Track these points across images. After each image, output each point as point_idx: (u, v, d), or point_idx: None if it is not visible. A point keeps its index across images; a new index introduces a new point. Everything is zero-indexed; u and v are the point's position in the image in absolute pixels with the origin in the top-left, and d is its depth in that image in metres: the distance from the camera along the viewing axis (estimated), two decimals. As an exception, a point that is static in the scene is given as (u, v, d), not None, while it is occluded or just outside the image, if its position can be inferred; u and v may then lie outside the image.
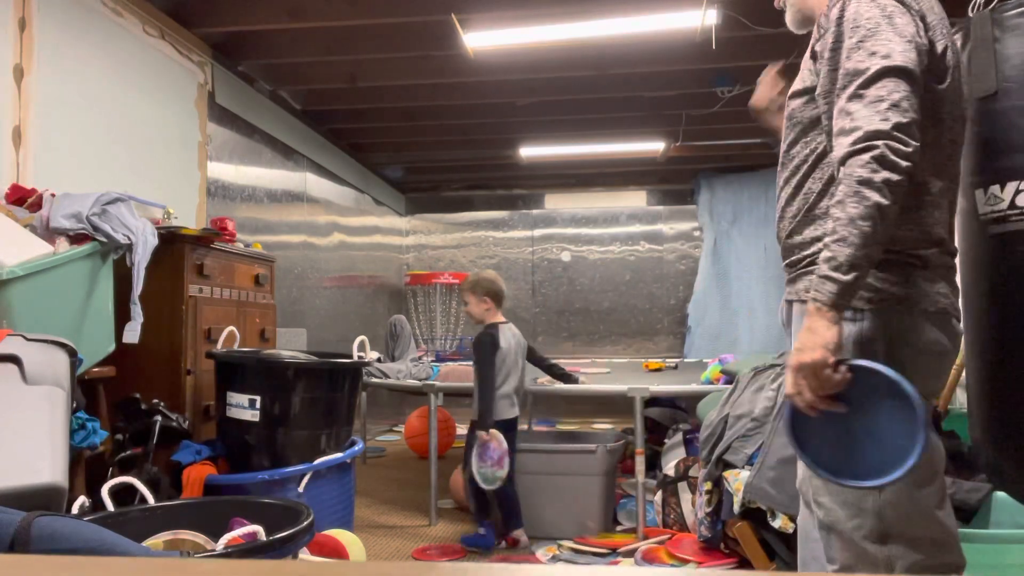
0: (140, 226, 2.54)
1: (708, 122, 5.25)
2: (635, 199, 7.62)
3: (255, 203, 4.54)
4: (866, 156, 1.26)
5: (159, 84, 3.55)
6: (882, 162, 1.26)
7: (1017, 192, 1.58)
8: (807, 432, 1.34)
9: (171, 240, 2.89)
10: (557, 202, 7.70)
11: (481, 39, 3.79)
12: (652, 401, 4.61)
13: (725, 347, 6.25)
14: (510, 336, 3.41)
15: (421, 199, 7.91)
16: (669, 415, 4.76)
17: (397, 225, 7.69)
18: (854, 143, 1.28)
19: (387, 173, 7.18)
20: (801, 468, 1.61)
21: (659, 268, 7.48)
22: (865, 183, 1.26)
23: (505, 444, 3.22)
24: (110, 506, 2.00)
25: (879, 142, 1.26)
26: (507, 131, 5.75)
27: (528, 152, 6.09)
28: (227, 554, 1.78)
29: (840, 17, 1.36)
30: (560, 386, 3.88)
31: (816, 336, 1.27)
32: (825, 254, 1.29)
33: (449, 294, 7.33)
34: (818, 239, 1.39)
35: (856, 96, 1.30)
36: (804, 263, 1.45)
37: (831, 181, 1.39)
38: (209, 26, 3.79)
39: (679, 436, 3.87)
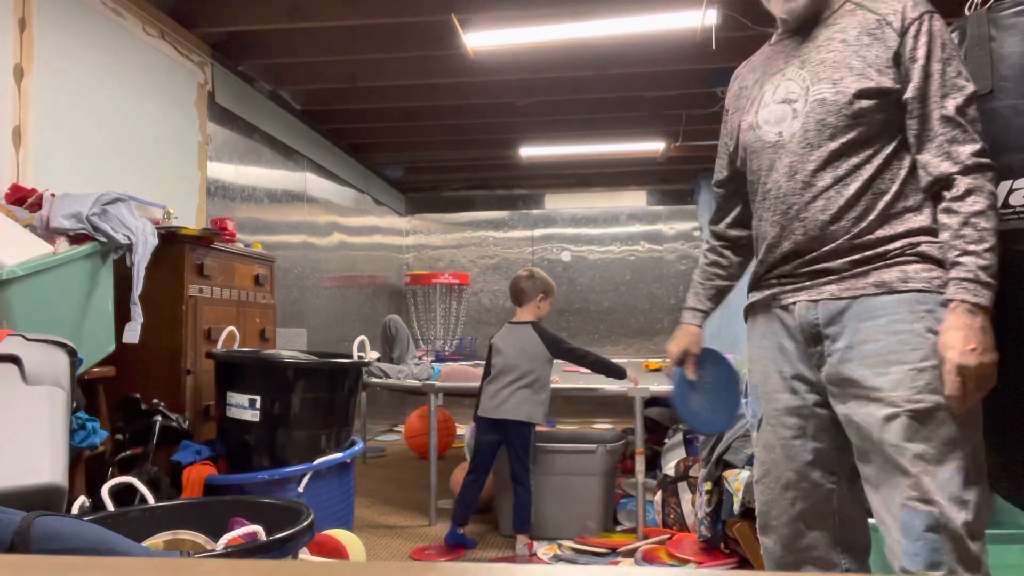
0: (140, 226, 2.54)
1: (708, 122, 5.25)
2: (635, 199, 7.62)
3: (255, 203, 4.54)
4: (991, 173, 1.41)
5: (159, 84, 3.55)
6: (995, 180, 1.42)
7: (1011, 191, 1.58)
8: (690, 405, 1.81)
9: (171, 240, 2.89)
10: (557, 202, 7.70)
11: (481, 39, 3.79)
12: (652, 401, 4.61)
13: (725, 347, 6.20)
14: (510, 335, 3.42)
15: (421, 199, 7.91)
16: (669, 415, 4.76)
17: (397, 225, 7.69)
18: (978, 155, 1.41)
19: (387, 173, 7.19)
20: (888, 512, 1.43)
21: (659, 268, 7.48)
22: (995, 196, 1.40)
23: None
24: (110, 506, 2.00)
25: (989, 160, 1.41)
26: (507, 131, 5.75)
27: (528, 152, 6.09)
28: (227, 554, 1.78)
29: (930, 29, 1.45)
30: (560, 386, 3.88)
31: (988, 336, 1.36)
32: (979, 261, 1.37)
33: (449, 294, 7.34)
34: (900, 236, 1.45)
35: (964, 111, 1.43)
36: (886, 257, 1.44)
37: (906, 182, 1.47)
38: (209, 26, 3.79)
39: (679, 436, 3.87)
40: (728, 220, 1.82)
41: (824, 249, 1.50)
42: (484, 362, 3.51)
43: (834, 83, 1.48)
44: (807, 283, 1.53)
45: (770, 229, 1.57)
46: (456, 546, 3.30)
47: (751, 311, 1.69)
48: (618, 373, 3.49)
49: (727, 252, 1.84)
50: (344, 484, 2.99)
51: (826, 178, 1.49)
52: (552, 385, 3.84)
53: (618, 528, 3.56)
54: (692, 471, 3.31)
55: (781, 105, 1.55)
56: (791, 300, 1.55)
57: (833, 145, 1.48)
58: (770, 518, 1.59)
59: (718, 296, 1.86)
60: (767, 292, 1.61)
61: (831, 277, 1.50)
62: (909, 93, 1.45)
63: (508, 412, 3.29)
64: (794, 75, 1.55)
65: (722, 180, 1.80)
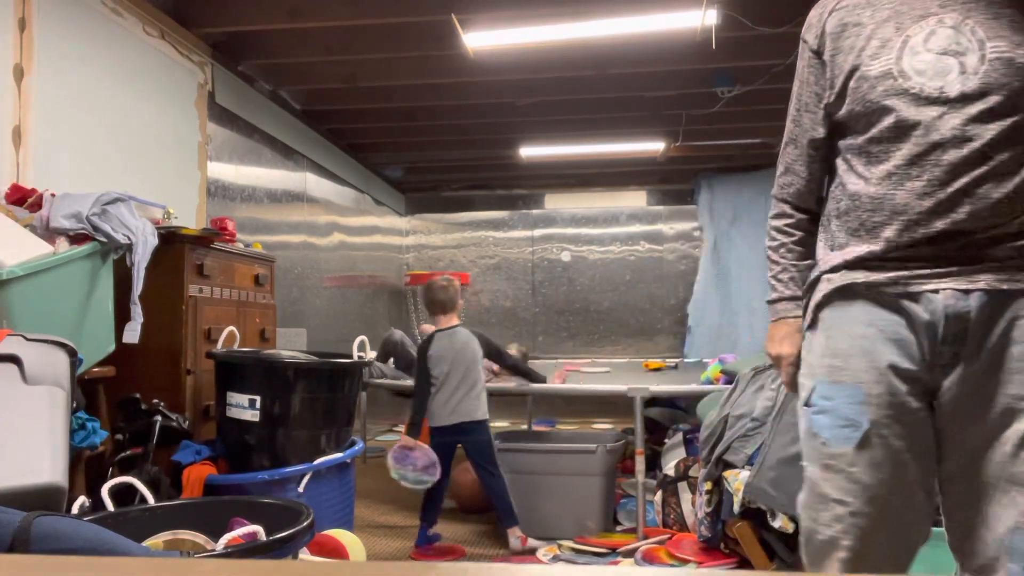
0: (140, 226, 2.54)
1: (708, 122, 5.26)
2: (635, 199, 7.62)
3: (255, 203, 4.54)
4: None
5: (159, 84, 3.55)
6: None
7: None
8: None
9: (171, 240, 2.89)
10: (557, 202, 7.70)
11: (481, 39, 3.79)
12: (652, 401, 4.61)
13: (725, 347, 6.25)
14: (446, 343, 3.39)
15: (421, 199, 7.92)
16: (669, 415, 4.76)
17: (397, 225, 7.69)
18: None
19: (387, 173, 7.19)
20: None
21: (659, 268, 7.48)
22: None
23: (431, 455, 3.28)
24: (110, 506, 2.00)
25: None
26: (507, 131, 5.75)
27: (528, 152, 6.09)
28: (227, 554, 1.78)
29: None
30: (560, 386, 3.89)
31: None
32: None
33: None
34: None
35: None
36: None
37: None
38: (209, 26, 3.79)
39: (679, 436, 3.87)
40: (815, 191, 1.51)
41: (990, 232, 1.28)
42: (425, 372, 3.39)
43: (1017, 45, 1.28)
44: (954, 268, 1.29)
45: (917, 201, 1.30)
46: (431, 545, 3.32)
47: (843, 295, 1.38)
48: (534, 378, 3.68)
49: (812, 227, 1.51)
50: (344, 484, 2.99)
51: (1007, 150, 1.28)
52: (557, 384, 3.86)
53: (618, 528, 3.56)
54: (692, 471, 3.30)
55: (943, 57, 1.30)
56: (929, 287, 1.30)
57: (1019, 116, 1.28)
58: (865, 560, 1.32)
59: (804, 282, 1.51)
60: (885, 274, 1.34)
61: (990, 264, 1.29)
62: None
63: (465, 415, 3.32)
64: (956, 24, 1.31)
65: (819, 140, 1.48)
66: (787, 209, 1.53)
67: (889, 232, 1.33)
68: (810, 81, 1.48)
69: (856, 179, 1.39)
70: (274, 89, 4.77)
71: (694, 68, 4.34)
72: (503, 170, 7.06)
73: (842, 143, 1.43)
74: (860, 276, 1.36)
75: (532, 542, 3.28)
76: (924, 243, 1.31)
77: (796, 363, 1.46)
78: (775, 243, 1.54)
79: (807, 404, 1.39)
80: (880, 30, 1.36)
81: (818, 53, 1.45)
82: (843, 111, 1.40)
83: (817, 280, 1.43)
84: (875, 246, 1.34)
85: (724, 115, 5.04)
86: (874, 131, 1.36)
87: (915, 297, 1.31)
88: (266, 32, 4.04)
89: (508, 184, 7.66)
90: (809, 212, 1.52)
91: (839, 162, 1.44)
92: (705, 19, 3.49)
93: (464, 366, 3.36)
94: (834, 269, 1.40)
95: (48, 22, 2.85)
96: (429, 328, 3.66)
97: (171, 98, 3.65)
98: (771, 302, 1.53)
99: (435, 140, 6.08)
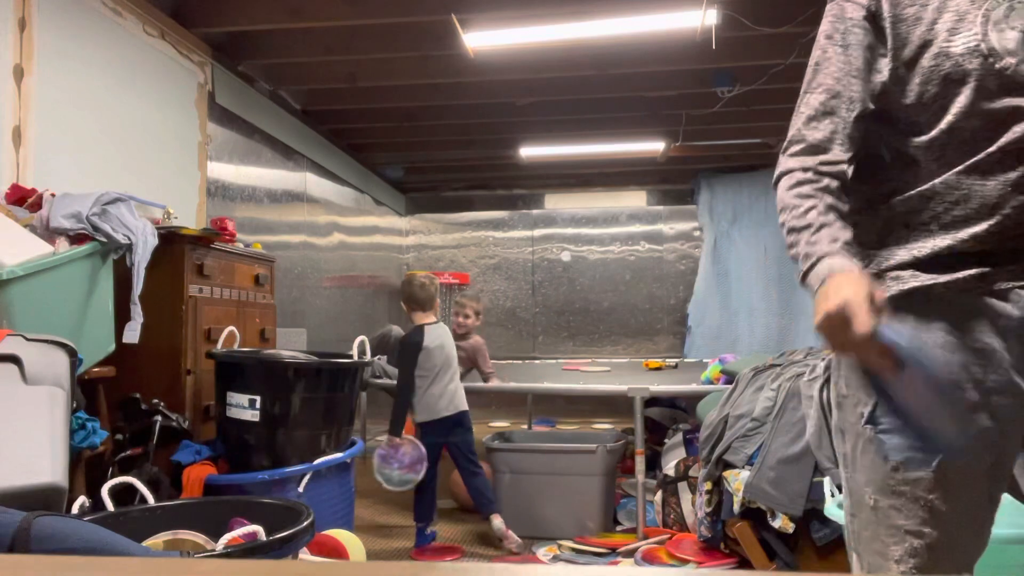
0: (140, 226, 2.54)
1: (708, 122, 5.26)
2: (635, 199, 7.63)
3: (255, 203, 4.54)
4: None
5: (159, 84, 3.55)
6: None
7: None
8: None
9: (171, 240, 2.89)
10: (557, 202, 7.70)
11: (481, 39, 3.79)
12: (652, 401, 4.61)
13: (725, 347, 6.26)
14: (437, 334, 3.42)
15: (421, 199, 7.92)
16: (669, 415, 4.76)
17: (397, 225, 7.69)
18: None
19: (387, 173, 7.19)
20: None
21: (659, 268, 7.48)
22: None
23: (421, 449, 3.29)
24: (110, 506, 2.00)
25: None
26: (507, 131, 5.75)
27: (528, 152, 6.09)
28: (227, 554, 1.78)
29: None
30: (560, 386, 3.89)
31: None
32: None
33: (449, 294, 7.34)
34: None
35: None
36: None
37: None
38: (209, 26, 3.79)
39: (679, 436, 3.87)
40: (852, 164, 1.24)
41: None
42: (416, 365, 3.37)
43: None
44: None
45: (1013, 195, 1.15)
46: (430, 544, 3.33)
47: (915, 297, 1.19)
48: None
49: (845, 198, 1.23)
50: (344, 484, 2.99)
51: None
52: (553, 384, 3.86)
53: (618, 528, 3.56)
54: (692, 471, 3.31)
55: None
56: (1019, 283, 1.17)
57: None
58: None
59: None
60: (967, 272, 1.17)
61: None
62: None
63: (462, 403, 3.40)
64: None
65: (867, 113, 1.23)
66: (811, 175, 1.21)
67: (978, 227, 1.16)
68: (864, 43, 1.23)
69: (923, 167, 1.21)
70: (274, 89, 4.77)
71: (694, 68, 4.34)
72: (503, 170, 7.06)
73: (891, 124, 1.25)
74: (939, 276, 1.18)
75: (536, 547, 3.29)
76: (1014, 237, 1.16)
77: (872, 304, 1.06)
78: (806, 204, 1.18)
79: (871, 422, 1.19)
80: (951, 0, 1.19)
81: (874, 16, 1.22)
82: (912, 88, 1.21)
83: (876, 277, 1.22)
84: (956, 242, 1.18)
85: (724, 115, 5.04)
86: (949, 113, 1.18)
87: (1002, 294, 1.16)
88: (266, 32, 4.04)
89: (508, 184, 7.66)
90: (842, 176, 1.21)
91: (887, 145, 1.26)
92: (705, 19, 3.49)
93: (454, 357, 3.44)
94: (901, 266, 1.21)
95: (48, 22, 2.85)
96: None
97: (171, 98, 3.65)
98: (812, 265, 1.13)
99: (435, 140, 6.08)
